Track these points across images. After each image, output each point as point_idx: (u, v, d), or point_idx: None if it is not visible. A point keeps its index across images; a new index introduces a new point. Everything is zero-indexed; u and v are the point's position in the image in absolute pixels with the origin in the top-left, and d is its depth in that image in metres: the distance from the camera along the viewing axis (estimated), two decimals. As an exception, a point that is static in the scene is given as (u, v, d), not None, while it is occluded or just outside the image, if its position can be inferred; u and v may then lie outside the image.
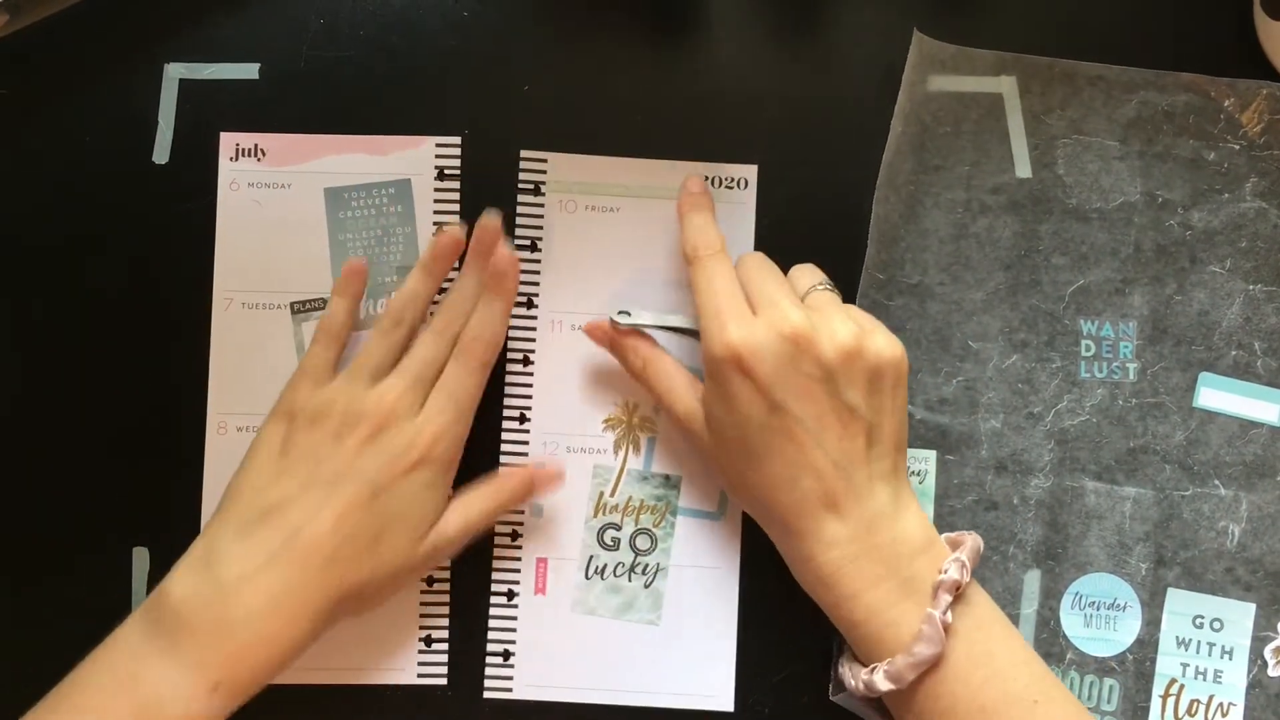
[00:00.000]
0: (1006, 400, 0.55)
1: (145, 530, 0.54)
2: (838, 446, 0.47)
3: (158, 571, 0.53)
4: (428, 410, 0.50)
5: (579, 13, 0.57)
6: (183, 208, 0.55)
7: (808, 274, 0.52)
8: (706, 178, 0.55)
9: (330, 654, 0.53)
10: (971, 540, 0.48)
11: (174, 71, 0.56)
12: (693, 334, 0.53)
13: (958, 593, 0.46)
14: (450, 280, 0.55)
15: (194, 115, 0.56)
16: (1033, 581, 0.54)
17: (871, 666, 0.47)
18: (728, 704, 0.54)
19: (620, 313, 0.53)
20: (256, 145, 0.55)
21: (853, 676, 0.48)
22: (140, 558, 0.54)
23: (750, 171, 0.56)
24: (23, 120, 0.56)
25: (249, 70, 0.56)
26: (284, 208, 0.55)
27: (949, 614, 0.45)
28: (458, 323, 0.52)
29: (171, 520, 0.54)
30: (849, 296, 0.54)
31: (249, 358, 0.55)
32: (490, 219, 0.53)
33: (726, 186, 0.56)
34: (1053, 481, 0.54)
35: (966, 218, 0.56)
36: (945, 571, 0.46)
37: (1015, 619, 0.54)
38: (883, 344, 0.48)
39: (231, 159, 0.55)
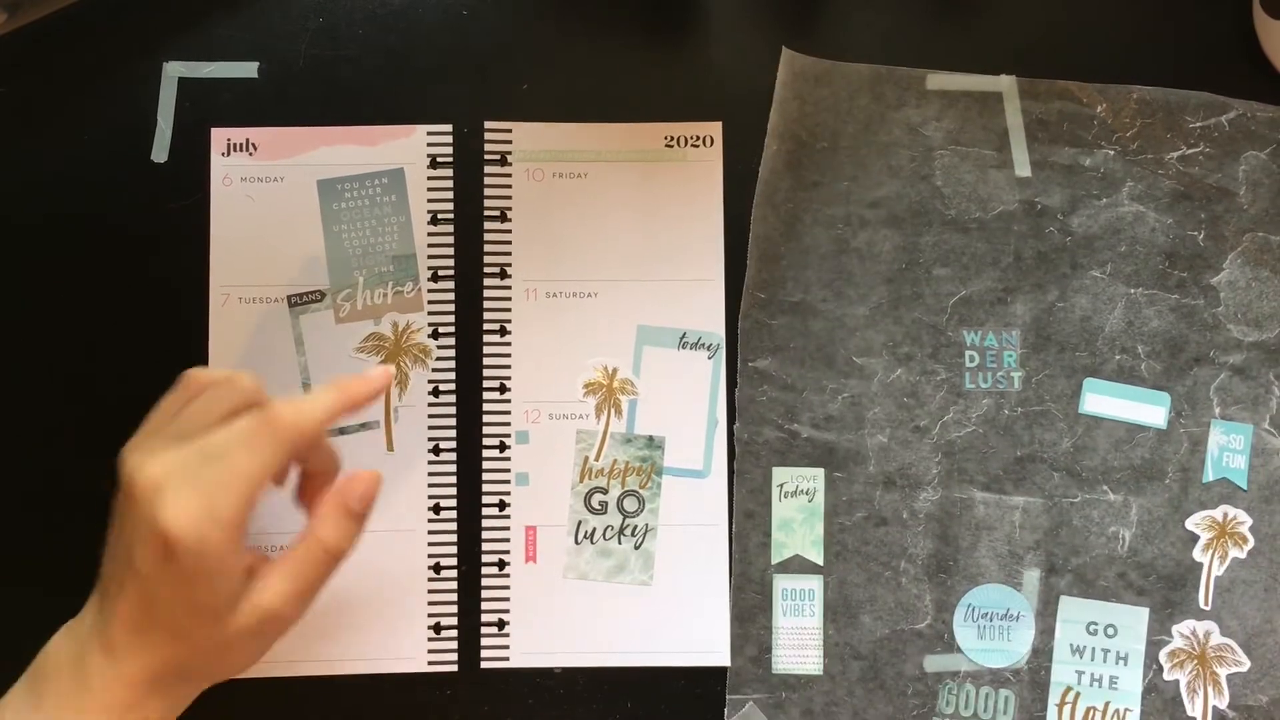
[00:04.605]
0: (892, 415, 0.55)
1: None
2: None
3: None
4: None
5: (579, 10, 0.57)
6: (181, 205, 0.55)
7: None
8: (670, 136, 0.56)
9: (344, 645, 0.54)
10: None
11: (173, 70, 0.56)
12: None
13: None
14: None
15: (193, 114, 0.56)
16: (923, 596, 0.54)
17: None
18: (724, 658, 0.54)
19: None
20: (248, 140, 0.56)
21: None
22: None
23: (715, 129, 0.56)
24: (23, 119, 0.56)
25: (248, 69, 0.56)
26: (277, 201, 0.56)
27: None
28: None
29: None
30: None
31: (248, 352, 0.55)
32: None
33: (692, 145, 0.56)
34: (941, 494, 0.54)
35: (847, 233, 0.55)
36: None
37: (911, 635, 0.54)
38: None
39: (223, 154, 0.56)
